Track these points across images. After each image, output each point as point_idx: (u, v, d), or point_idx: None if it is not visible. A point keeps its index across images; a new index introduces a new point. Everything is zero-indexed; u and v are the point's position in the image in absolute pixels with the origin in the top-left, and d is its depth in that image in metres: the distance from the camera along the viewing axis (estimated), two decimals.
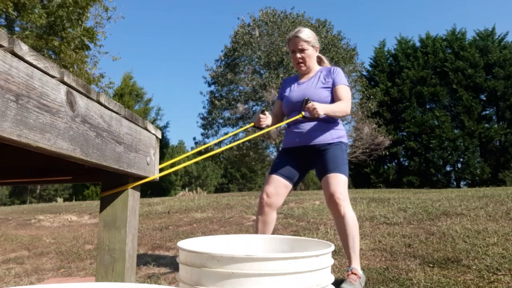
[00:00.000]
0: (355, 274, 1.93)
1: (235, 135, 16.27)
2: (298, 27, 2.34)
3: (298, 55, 2.24)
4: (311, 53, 2.26)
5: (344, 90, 2.18)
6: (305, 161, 2.19)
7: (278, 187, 2.13)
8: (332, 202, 2.00)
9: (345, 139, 2.21)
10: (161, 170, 1.40)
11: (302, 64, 2.26)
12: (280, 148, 2.40)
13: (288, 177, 2.16)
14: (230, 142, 16.29)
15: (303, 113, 2.07)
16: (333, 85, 2.19)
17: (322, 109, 2.01)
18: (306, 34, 2.23)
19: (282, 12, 15.64)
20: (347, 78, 15.19)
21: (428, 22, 61.60)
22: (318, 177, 2.16)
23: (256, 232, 2.16)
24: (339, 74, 2.23)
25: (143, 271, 2.62)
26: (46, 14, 10.02)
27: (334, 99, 2.18)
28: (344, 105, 2.12)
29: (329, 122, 2.17)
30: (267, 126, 2.23)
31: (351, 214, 2.00)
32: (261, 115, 2.21)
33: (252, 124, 2.24)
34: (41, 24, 9.96)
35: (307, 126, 2.16)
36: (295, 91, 2.25)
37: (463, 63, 18.28)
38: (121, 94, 24.50)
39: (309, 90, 2.20)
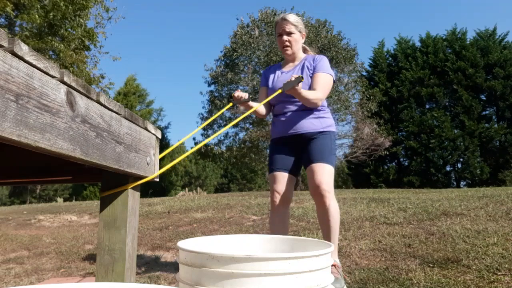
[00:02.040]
0: (334, 265, 1.94)
1: (236, 134, 16.27)
2: (287, 12, 2.34)
3: (285, 37, 2.20)
4: (298, 38, 2.23)
5: (321, 78, 2.11)
6: (296, 148, 2.17)
7: (285, 183, 2.13)
8: (317, 193, 1.98)
9: (333, 128, 2.17)
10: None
11: (288, 48, 2.22)
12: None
13: (288, 170, 2.15)
14: (231, 143, 16.28)
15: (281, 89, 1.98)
16: (313, 73, 2.14)
17: (299, 88, 1.96)
18: (294, 18, 2.22)
19: (282, 12, 15.64)
20: (347, 78, 15.18)
21: (428, 22, 61.60)
22: (304, 166, 2.13)
23: (272, 232, 2.14)
24: (321, 62, 2.17)
25: (143, 271, 2.62)
26: (44, 13, 10.02)
27: (310, 86, 2.13)
28: (315, 96, 2.05)
29: (317, 110, 2.14)
30: (246, 100, 2.14)
31: (335, 206, 2.00)
32: (234, 94, 2.15)
33: (231, 104, 2.15)
34: (39, 23, 9.96)
35: (295, 115, 2.13)
36: (279, 81, 2.21)
37: (464, 63, 18.28)
38: (125, 93, 24.55)
39: None
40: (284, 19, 2.20)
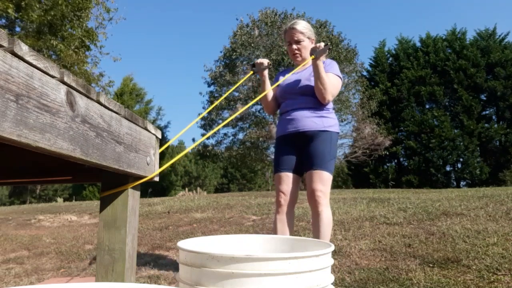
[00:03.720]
0: None
1: (235, 135, 16.26)
2: (295, 20, 2.38)
3: (294, 46, 2.27)
4: (307, 45, 2.29)
5: (331, 77, 2.16)
6: (299, 147, 2.20)
7: (290, 183, 2.16)
8: (312, 199, 2.06)
9: (336, 128, 2.20)
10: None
11: (297, 55, 2.29)
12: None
13: (294, 170, 2.18)
14: (230, 143, 16.28)
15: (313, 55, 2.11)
16: None
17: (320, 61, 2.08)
18: (302, 25, 2.27)
19: (283, 13, 15.63)
20: (347, 78, 15.19)
21: (429, 22, 61.56)
22: (304, 169, 2.17)
23: (275, 233, 2.16)
24: (331, 64, 2.24)
25: (143, 271, 2.62)
26: (43, 12, 10.01)
27: None
28: (328, 82, 2.12)
29: (321, 109, 2.17)
30: (266, 67, 2.32)
31: (328, 213, 2.06)
32: (257, 61, 2.34)
33: (251, 72, 2.35)
34: (39, 21, 9.95)
35: (299, 113, 2.17)
36: (289, 80, 2.28)
37: (465, 63, 18.28)
38: (120, 93, 24.56)
39: (303, 78, 2.22)
40: (292, 28, 2.26)
